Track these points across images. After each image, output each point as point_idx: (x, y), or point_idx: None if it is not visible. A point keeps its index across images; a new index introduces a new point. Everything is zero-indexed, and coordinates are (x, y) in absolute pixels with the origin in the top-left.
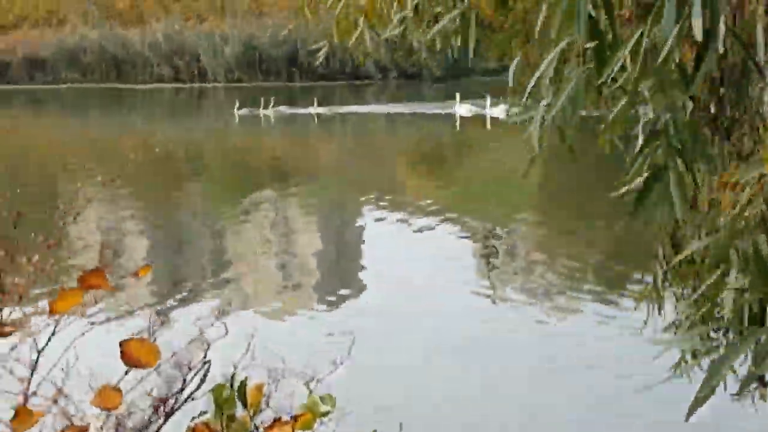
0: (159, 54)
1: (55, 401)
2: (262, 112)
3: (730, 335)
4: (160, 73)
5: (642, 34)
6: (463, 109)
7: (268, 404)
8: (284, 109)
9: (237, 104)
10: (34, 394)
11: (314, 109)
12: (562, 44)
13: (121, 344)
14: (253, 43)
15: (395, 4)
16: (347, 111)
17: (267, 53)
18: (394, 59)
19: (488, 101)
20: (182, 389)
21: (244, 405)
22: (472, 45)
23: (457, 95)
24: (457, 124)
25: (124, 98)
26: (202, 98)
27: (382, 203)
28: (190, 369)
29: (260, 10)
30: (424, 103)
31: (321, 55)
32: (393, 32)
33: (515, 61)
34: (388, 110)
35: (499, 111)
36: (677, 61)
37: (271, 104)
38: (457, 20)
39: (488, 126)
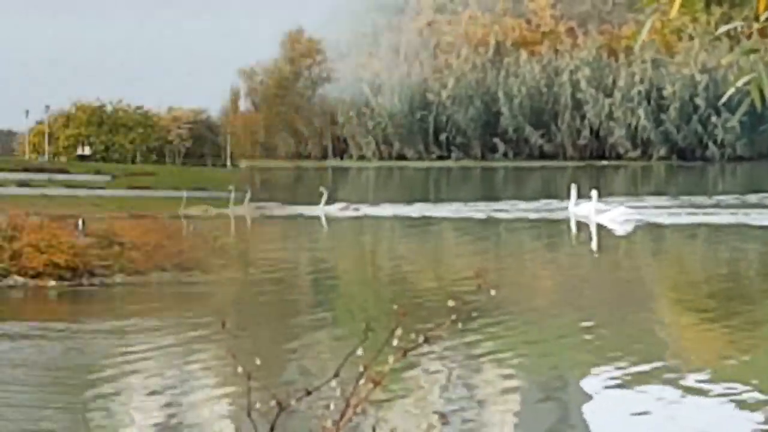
0: None
1: None
2: (232, 209)
3: None
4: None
5: None
6: (583, 209)
7: None
8: (268, 206)
9: (184, 197)
10: None
11: (323, 209)
12: None
13: None
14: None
15: None
16: (375, 213)
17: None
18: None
19: (594, 197)
20: None
21: None
22: None
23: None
24: (572, 233)
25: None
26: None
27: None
28: None
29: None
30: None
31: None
32: None
33: None
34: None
35: (609, 217)
36: None
37: (247, 198)
38: None
39: (594, 239)
